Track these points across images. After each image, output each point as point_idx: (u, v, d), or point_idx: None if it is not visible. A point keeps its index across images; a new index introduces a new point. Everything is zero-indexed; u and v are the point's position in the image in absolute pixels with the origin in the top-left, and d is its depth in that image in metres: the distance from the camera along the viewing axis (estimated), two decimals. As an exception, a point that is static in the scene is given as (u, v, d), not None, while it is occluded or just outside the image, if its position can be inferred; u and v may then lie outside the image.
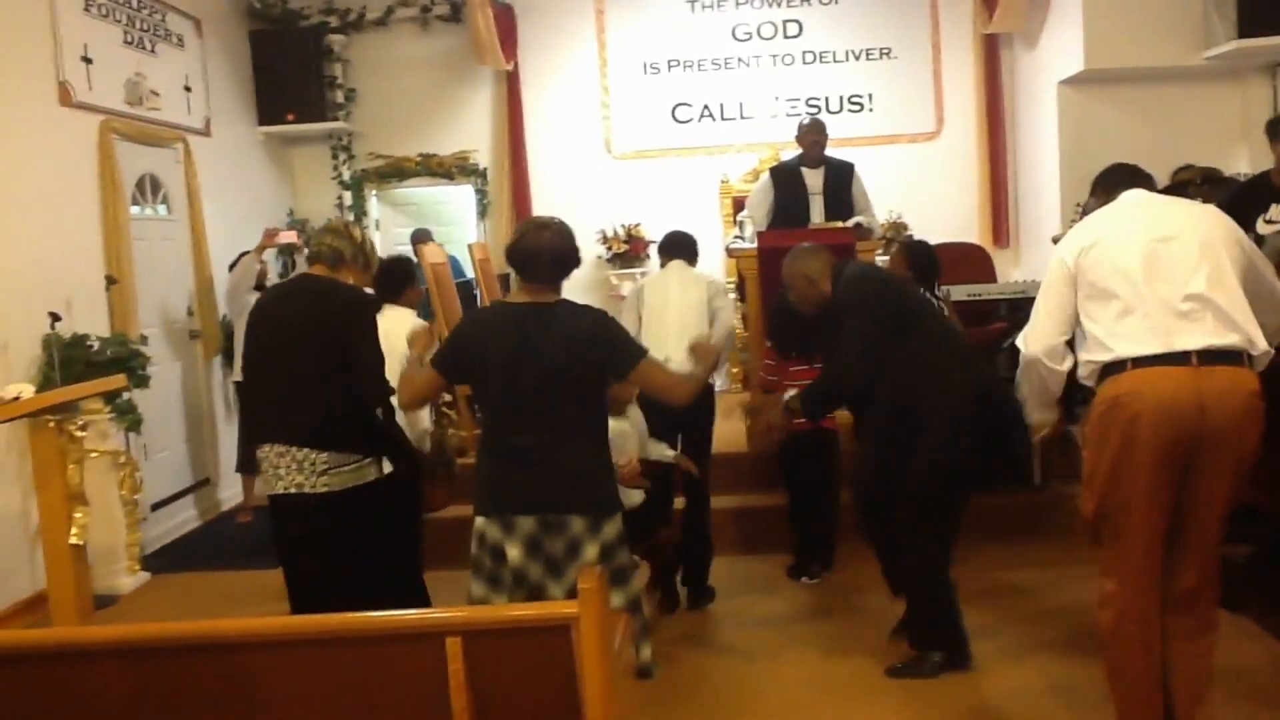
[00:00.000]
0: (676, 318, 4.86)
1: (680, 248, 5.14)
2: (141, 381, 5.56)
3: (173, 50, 6.96)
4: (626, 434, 4.19)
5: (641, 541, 4.43)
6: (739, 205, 7.64)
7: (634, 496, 4.23)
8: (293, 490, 3.59)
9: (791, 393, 4.25)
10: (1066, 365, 3.22)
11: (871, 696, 3.85)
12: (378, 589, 3.75)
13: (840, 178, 6.40)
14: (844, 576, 5.01)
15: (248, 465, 5.98)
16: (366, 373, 3.59)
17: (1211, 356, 2.92)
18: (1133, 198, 3.24)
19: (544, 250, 3.23)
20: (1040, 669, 3.99)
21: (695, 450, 4.73)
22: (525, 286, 3.31)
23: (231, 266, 6.60)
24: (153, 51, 6.68)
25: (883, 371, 3.92)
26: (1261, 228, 4.67)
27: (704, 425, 4.88)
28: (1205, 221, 3.12)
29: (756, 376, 5.38)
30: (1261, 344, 2.98)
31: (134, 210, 6.36)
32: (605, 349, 3.24)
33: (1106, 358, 3.03)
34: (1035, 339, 3.24)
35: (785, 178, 6.46)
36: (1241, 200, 4.87)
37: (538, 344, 3.17)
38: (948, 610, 3.97)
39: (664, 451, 4.50)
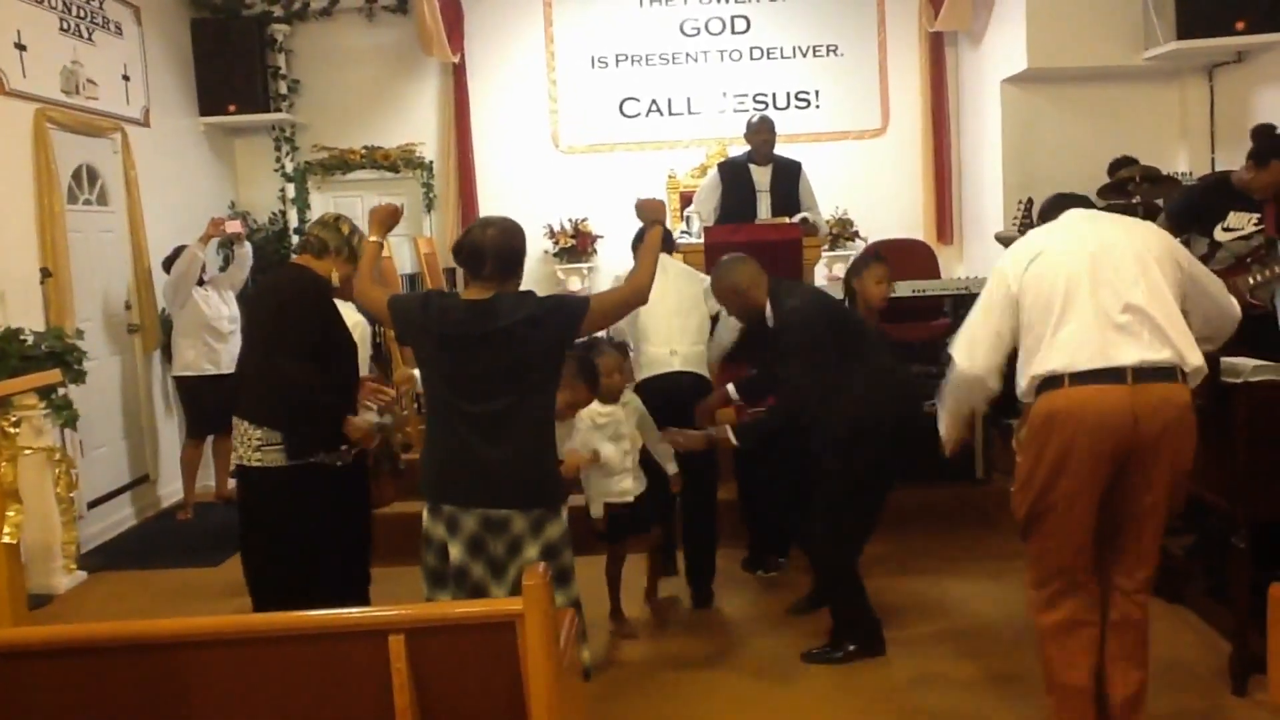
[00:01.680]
0: (677, 311, 4.73)
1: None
2: (78, 377, 5.45)
3: (111, 38, 6.82)
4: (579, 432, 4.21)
5: (634, 537, 4.41)
6: (686, 200, 7.63)
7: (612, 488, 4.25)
8: (240, 462, 3.86)
9: (722, 427, 4.29)
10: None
11: (822, 692, 3.87)
12: (316, 580, 3.77)
13: (787, 175, 6.42)
14: (801, 567, 5.00)
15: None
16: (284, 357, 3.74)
17: (1146, 374, 2.97)
18: (1075, 215, 3.29)
19: (487, 247, 3.24)
20: (980, 660, 4.04)
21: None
22: (471, 284, 3.31)
23: (166, 262, 6.49)
24: (90, 39, 6.54)
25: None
26: (1220, 234, 4.71)
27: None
28: (1144, 238, 3.16)
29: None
30: (1194, 361, 3.02)
31: (70, 202, 6.22)
32: (555, 312, 3.26)
33: (1044, 371, 3.06)
34: (978, 358, 3.23)
35: (733, 174, 6.46)
36: (1199, 204, 4.90)
37: (483, 340, 3.16)
38: (860, 603, 4.07)
39: (667, 464, 4.45)
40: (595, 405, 4.25)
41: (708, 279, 4.98)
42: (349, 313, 4.24)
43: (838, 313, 4.26)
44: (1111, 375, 2.97)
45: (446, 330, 3.22)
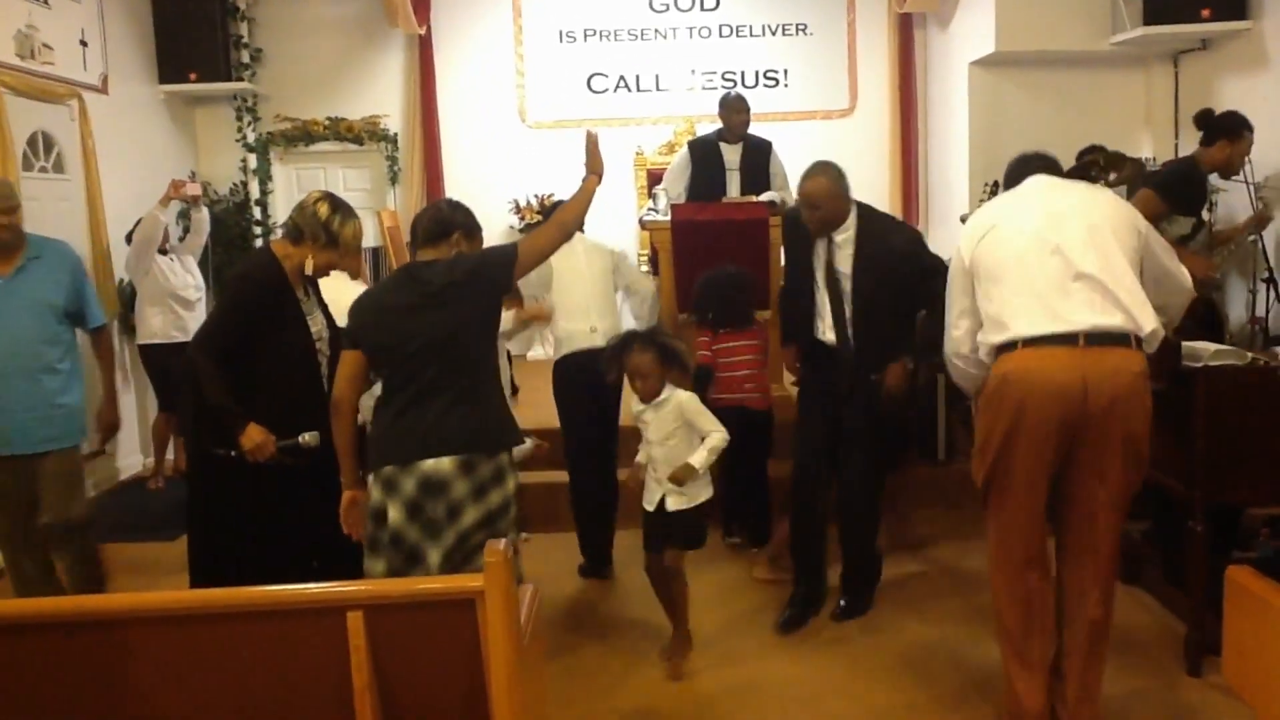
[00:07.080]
0: (589, 284, 4.86)
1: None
2: (32, 347, 5.33)
3: (67, 2, 6.66)
4: None
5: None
6: (653, 177, 7.60)
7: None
8: None
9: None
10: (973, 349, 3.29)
11: (790, 663, 3.89)
12: (255, 566, 3.49)
13: (758, 154, 6.39)
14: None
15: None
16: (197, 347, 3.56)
17: (1098, 338, 2.99)
18: (1034, 183, 3.31)
19: (416, 220, 3.44)
20: (941, 631, 4.10)
21: None
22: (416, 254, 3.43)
23: (129, 235, 6.36)
24: (45, 3, 6.39)
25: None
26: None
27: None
28: (1101, 206, 3.18)
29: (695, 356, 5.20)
30: (1149, 325, 3.03)
31: (25, 169, 6.09)
32: (483, 267, 3.26)
33: (1000, 338, 3.10)
34: (948, 336, 3.37)
35: (704, 152, 6.44)
36: (1195, 182, 5.17)
37: (424, 297, 3.17)
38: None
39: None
40: (636, 403, 4.04)
41: (616, 250, 5.04)
42: (342, 291, 3.91)
43: None
44: (1062, 339, 3.00)
45: (384, 301, 3.25)
